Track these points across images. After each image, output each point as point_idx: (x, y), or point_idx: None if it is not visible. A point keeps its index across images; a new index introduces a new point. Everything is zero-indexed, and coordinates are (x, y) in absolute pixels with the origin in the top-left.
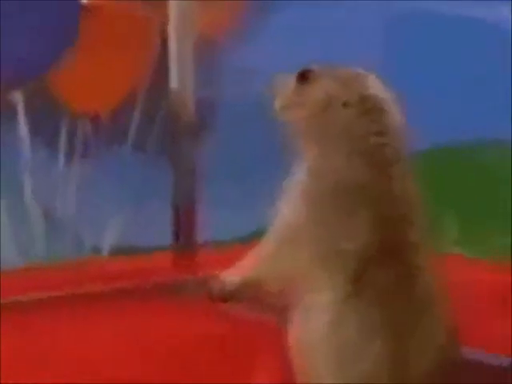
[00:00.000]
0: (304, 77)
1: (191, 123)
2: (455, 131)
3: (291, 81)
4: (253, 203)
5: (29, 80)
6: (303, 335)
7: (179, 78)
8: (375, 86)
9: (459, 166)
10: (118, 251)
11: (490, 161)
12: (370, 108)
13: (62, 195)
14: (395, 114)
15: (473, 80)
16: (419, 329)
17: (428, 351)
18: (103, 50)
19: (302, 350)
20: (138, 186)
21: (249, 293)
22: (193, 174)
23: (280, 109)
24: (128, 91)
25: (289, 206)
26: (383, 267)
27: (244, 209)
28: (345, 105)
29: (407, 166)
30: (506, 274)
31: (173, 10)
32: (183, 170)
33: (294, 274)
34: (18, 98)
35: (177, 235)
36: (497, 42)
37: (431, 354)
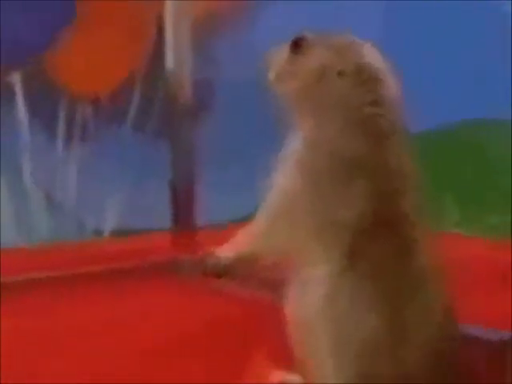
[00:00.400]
0: (297, 45)
1: (188, 104)
2: (452, 112)
3: (285, 50)
4: (253, 184)
5: (26, 59)
6: (299, 309)
7: (175, 58)
8: (371, 55)
9: (456, 147)
10: (119, 232)
11: (488, 140)
12: (365, 78)
13: (61, 177)
14: (391, 85)
15: (471, 61)
16: (415, 302)
17: (425, 325)
18: (101, 32)
19: (298, 324)
20: (137, 167)
21: (244, 267)
22: (191, 155)
23: (274, 80)
24: (127, 72)
25: (284, 176)
26: (378, 240)
27: (244, 189)
28: (340, 74)
29: (403, 138)
30: (504, 252)
31: None
32: (181, 150)
33: (289, 248)
34: (16, 80)
35: (175, 216)
36: (496, 22)
37: (429, 328)
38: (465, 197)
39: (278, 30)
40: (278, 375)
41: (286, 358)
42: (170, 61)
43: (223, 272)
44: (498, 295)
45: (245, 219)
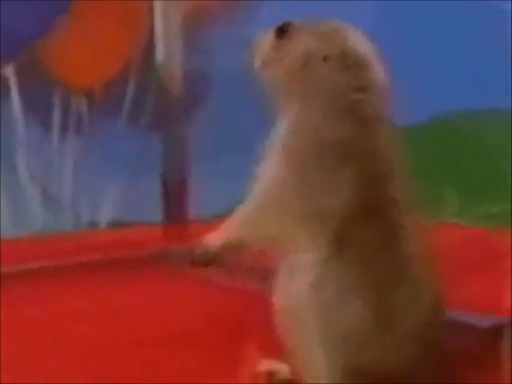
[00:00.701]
0: (283, 31)
1: (179, 97)
2: (450, 102)
3: (270, 36)
4: (246, 177)
5: (20, 51)
6: (287, 297)
7: (165, 51)
8: (357, 41)
9: (454, 136)
10: (114, 225)
11: (486, 130)
12: (351, 63)
13: (57, 170)
14: (377, 71)
15: (469, 50)
16: (402, 289)
17: (413, 313)
18: (96, 24)
19: (286, 312)
20: (132, 160)
21: (231, 255)
22: (183, 148)
23: (259, 65)
24: (121, 65)
25: (270, 164)
26: (366, 227)
27: (237, 182)
28: (325, 59)
29: (389, 124)
30: (502, 240)
31: None
32: (173, 143)
33: (276, 235)
34: (10, 73)
35: (167, 209)
36: (494, 12)
37: (416, 316)
38: (464, 186)
39: (273, 22)
40: (265, 364)
41: (275, 348)
42: (160, 53)
43: (211, 260)
44: (493, 281)
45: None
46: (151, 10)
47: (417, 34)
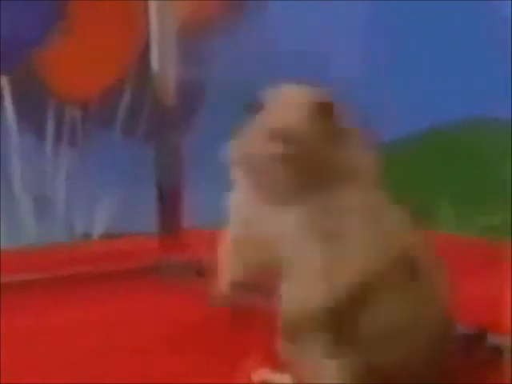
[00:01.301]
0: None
1: (174, 106)
2: (447, 111)
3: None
4: None
5: (15, 61)
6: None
7: (161, 60)
8: None
9: (451, 146)
10: (108, 236)
11: (483, 139)
12: None
13: (51, 180)
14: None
15: (463, 59)
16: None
17: (431, 316)
18: (91, 34)
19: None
20: (127, 171)
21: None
22: (177, 158)
23: None
24: (116, 75)
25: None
26: None
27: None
28: None
29: None
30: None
31: None
32: (167, 153)
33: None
34: (4, 83)
35: (162, 219)
36: (494, 18)
37: (435, 320)
38: (462, 197)
39: (269, 32)
40: (260, 374)
41: (270, 358)
42: (155, 63)
43: (230, 301)
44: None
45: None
46: (147, 20)
47: (416, 42)
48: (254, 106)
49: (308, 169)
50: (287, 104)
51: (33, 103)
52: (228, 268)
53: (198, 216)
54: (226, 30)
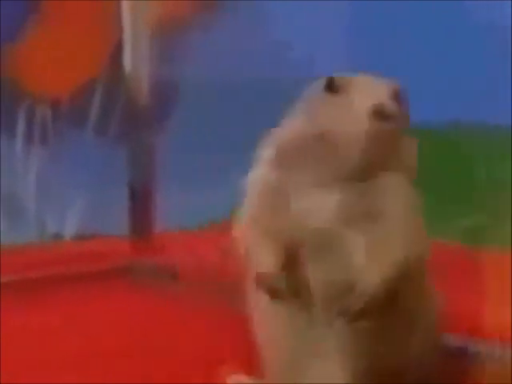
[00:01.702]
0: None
1: (147, 106)
2: (430, 112)
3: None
4: (213, 189)
5: None
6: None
7: (133, 59)
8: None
9: (432, 148)
10: (80, 237)
11: (463, 142)
12: None
13: (21, 180)
14: None
15: (447, 60)
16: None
17: (429, 320)
18: (63, 32)
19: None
20: (99, 171)
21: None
22: (150, 159)
23: None
24: (88, 74)
25: None
26: None
27: (205, 195)
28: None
29: None
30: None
31: None
32: (140, 154)
33: None
34: None
35: (133, 220)
36: (475, 21)
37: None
38: (442, 198)
39: (244, 32)
40: (235, 379)
41: (246, 363)
42: (128, 62)
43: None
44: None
45: (206, 224)
46: (120, 18)
47: (411, 44)
48: (332, 86)
49: (390, 149)
50: (373, 86)
51: (3, 101)
52: (267, 254)
53: (171, 218)
54: (200, 28)
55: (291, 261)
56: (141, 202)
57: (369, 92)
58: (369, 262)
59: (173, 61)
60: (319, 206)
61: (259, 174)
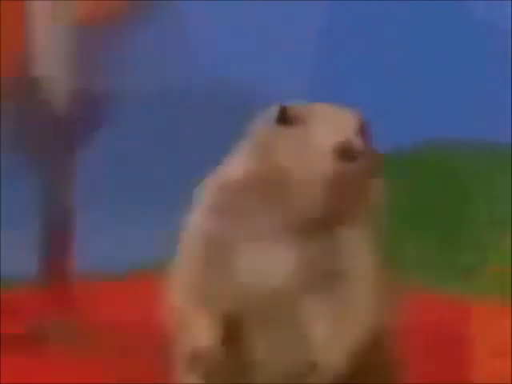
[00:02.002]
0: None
1: (66, 122)
2: (418, 132)
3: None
4: (140, 231)
5: None
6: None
7: (48, 70)
8: None
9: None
10: None
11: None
12: None
13: None
14: None
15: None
16: None
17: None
18: None
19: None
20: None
21: None
22: (67, 189)
23: None
24: None
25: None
26: None
27: (130, 232)
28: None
29: None
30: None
31: None
32: (54, 184)
33: None
34: None
35: (46, 266)
36: (475, 23)
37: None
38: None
39: (178, 34)
40: None
41: None
42: (40, 72)
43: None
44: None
45: (127, 271)
46: (32, 25)
47: (405, 57)
48: (286, 115)
49: (355, 194)
50: (335, 117)
51: None
52: (203, 326)
53: (92, 263)
54: (131, 34)
55: (233, 333)
56: (55, 244)
57: (331, 125)
58: (330, 334)
59: (98, 72)
60: (270, 264)
61: (196, 222)
